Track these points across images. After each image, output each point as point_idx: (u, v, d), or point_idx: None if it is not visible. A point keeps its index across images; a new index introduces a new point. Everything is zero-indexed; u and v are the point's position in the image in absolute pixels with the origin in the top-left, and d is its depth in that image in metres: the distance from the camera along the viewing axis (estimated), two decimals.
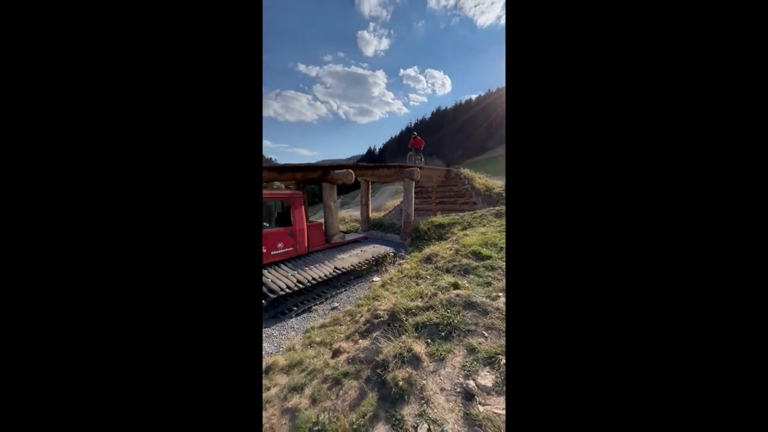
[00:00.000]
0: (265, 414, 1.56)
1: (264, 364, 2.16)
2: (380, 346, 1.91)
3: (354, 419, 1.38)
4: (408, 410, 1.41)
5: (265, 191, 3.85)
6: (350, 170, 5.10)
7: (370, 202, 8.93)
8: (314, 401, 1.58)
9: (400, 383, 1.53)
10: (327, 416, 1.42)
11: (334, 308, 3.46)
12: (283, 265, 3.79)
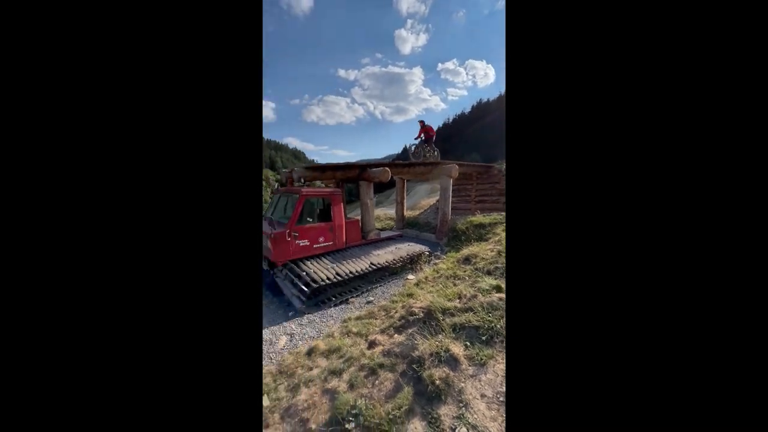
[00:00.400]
0: (307, 391, 1.70)
1: (307, 347, 2.35)
2: (416, 342, 1.90)
3: (389, 409, 1.40)
4: (445, 410, 1.37)
5: (308, 188, 4.17)
6: (386, 168, 5.16)
7: (405, 200, 8.90)
8: (352, 386, 1.66)
9: (437, 382, 1.50)
10: (364, 402, 1.48)
11: (369, 302, 3.55)
12: (323, 258, 4.05)
